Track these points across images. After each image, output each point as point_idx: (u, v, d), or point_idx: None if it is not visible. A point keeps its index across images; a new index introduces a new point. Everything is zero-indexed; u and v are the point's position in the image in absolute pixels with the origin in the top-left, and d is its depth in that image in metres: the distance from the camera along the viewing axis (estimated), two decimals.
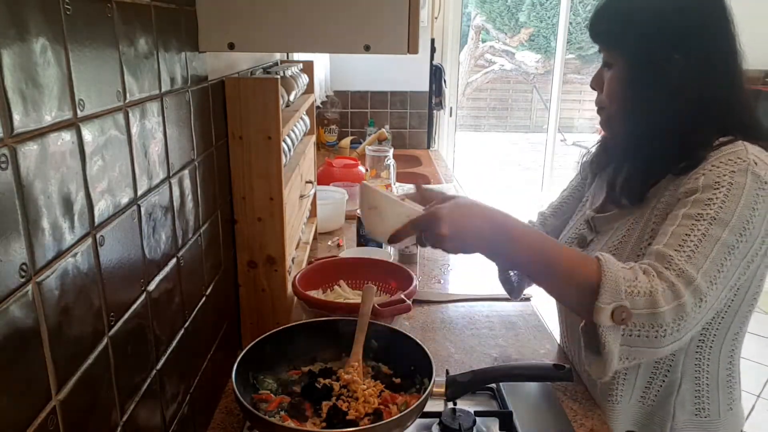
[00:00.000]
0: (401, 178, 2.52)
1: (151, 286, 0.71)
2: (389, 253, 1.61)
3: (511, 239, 0.87)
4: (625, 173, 1.02)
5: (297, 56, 1.95)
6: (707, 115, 0.94)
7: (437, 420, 0.94)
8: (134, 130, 0.66)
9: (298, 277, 1.23)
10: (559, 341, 1.27)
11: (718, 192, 0.86)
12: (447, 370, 0.98)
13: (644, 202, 1.00)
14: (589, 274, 0.83)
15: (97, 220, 0.57)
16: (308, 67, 1.66)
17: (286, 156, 1.19)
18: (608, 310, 0.80)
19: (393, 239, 0.90)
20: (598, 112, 1.06)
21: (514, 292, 1.24)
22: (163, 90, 0.75)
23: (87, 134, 0.55)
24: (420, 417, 0.88)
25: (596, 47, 1.04)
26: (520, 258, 0.90)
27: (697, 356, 0.98)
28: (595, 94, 1.06)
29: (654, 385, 1.02)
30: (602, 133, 1.15)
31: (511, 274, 1.24)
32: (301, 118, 1.49)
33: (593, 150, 1.19)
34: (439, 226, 0.84)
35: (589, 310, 0.81)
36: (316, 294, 1.26)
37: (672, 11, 0.93)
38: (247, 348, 0.92)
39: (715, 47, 0.94)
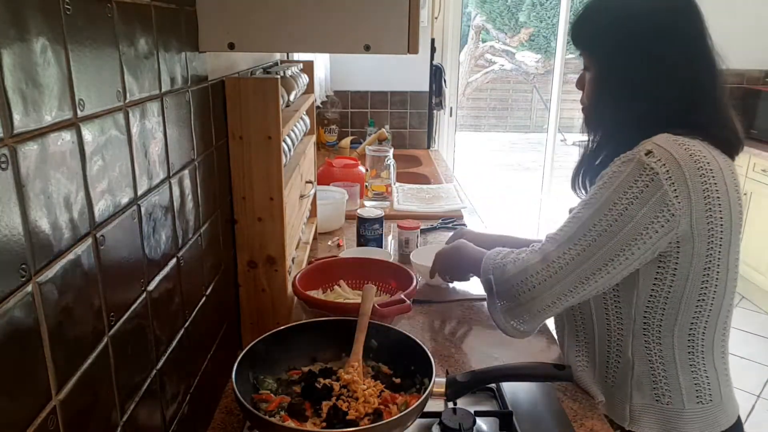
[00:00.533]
0: (401, 178, 2.53)
1: (151, 286, 0.71)
2: (389, 254, 1.61)
3: (470, 259, 1.21)
4: (594, 171, 1.07)
5: (297, 56, 1.95)
6: (664, 116, 0.99)
7: (437, 420, 0.94)
8: (134, 130, 0.66)
9: (298, 277, 1.23)
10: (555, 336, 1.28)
11: (599, 181, 0.97)
12: (447, 370, 0.98)
13: None
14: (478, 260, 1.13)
15: (97, 220, 0.57)
16: (308, 67, 1.66)
17: (286, 156, 1.19)
18: (482, 282, 1.10)
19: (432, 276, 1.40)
20: (582, 110, 1.12)
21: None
22: (163, 90, 0.75)
23: (87, 134, 0.55)
24: (420, 417, 0.88)
25: None
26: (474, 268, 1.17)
27: (645, 339, 1.01)
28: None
29: (611, 364, 1.06)
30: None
31: None
32: (301, 118, 1.49)
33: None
34: (438, 268, 1.35)
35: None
36: (316, 294, 1.26)
37: (642, 20, 1.00)
38: (247, 348, 0.92)
39: (684, 57, 0.99)
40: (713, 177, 0.92)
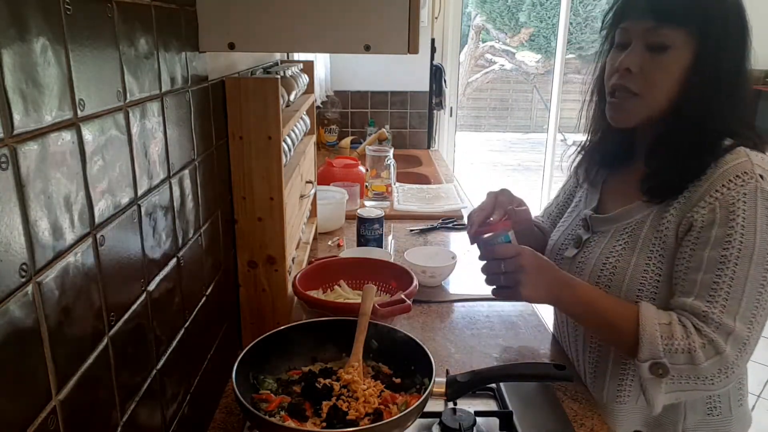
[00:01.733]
0: (401, 178, 2.53)
1: (152, 286, 0.71)
2: (389, 254, 1.61)
3: (575, 296, 0.98)
4: (662, 168, 0.97)
5: (297, 56, 1.95)
6: (733, 113, 0.94)
7: (437, 420, 0.94)
8: (134, 130, 0.66)
9: (298, 277, 1.23)
10: (553, 331, 1.29)
11: (735, 225, 0.87)
12: (447, 370, 0.98)
13: (642, 206, 1.00)
14: (628, 330, 0.91)
15: (97, 220, 0.57)
16: (308, 67, 1.66)
17: (286, 156, 1.19)
18: (646, 366, 0.89)
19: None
20: (618, 95, 0.98)
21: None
22: (163, 90, 0.75)
23: (87, 134, 0.55)
24: (420, 417, 0.88)
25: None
26: (575, 309, 1.00)
27: None
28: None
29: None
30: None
31: None
32: (302, 118, 1.49)
33: (580, 154, 1.19)
34: (522, 271, 0.97)
35: (633, 359, 0.92)
36: (316, 294, 1.26)
37: (733, 10, 0.93)
38: (247, 348, 0.92)
39: (747, 47, 0.94)
40: None
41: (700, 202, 0.91)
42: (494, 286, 1.02)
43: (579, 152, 1.19)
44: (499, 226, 1.04)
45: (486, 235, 1.03)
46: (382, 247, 1.65)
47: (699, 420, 1.01)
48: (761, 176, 0.88)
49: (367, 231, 1.64)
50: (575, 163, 1.20)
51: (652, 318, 0.89)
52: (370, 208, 1.73)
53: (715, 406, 1.01)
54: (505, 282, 0.99)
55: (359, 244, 1.67)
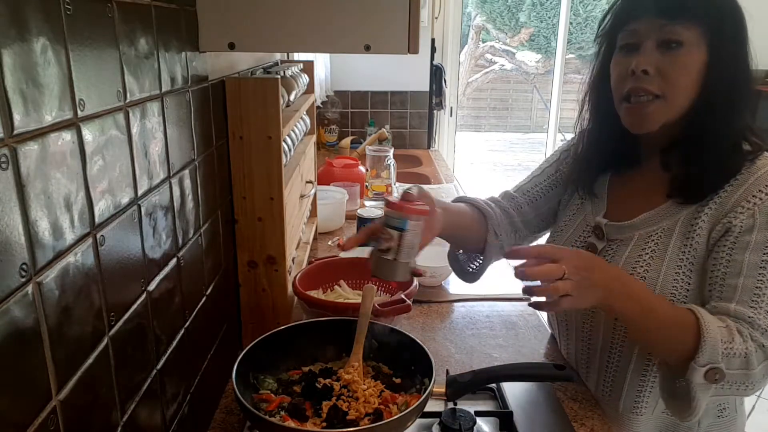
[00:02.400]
0: (401, 178, 2.52)
1: (152, 286, 0.71)
2: None
3: (628, 293, 0.88)
4: (695, 169, 0.94)
5: (297, 56, 1.95)
6: (747, 110, 0.94)
7: (437, 420, 0.94)
8: (134, 129, 0.66)
9: (298, 277, 1.23)
10: (559, 344, 1.25)
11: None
12: (447, 370, 0.97)
13: (667, 213, 0.97)
14: (688, 334, 0.85)
15: (97, 220, 0.57)
16: (308, 67, 1.66)
17: (286, 156, 1.19)
18: (702, 370, 0.83)
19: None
20: (635, 100, 0.93)
21: (472, 277, 1.20)
22: (163, 90, 0.75)
23: (87, 134, 0.55)
24: (420, 417, 0.88)
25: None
26: (630, 310, 0.88)
27: None
28: None
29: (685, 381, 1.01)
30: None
31: (460, 253, 1.21)
32: (302, 118, 1.49)
33: (575, 163, 1.12)
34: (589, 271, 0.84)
35: (684, 367, 0.85)
36: (316, 294, 1.26)
37: (736, 5, 0.92)
38: (247, 348, 0.92)
39: (748, 48, 0.93)
40: None
41: (737, 207, 0.90)
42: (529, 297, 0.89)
43: (574, 160, 1.13)
44: (411, 209, 0.89)
45: (385, 211, 0.90)
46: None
47: (710, 423, 1.02)
48: None
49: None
50: (571, 174, 1.14)
51: (713, 323, 0.85)
52: (370, 208, 1.73)
53: (725, 407, 1.01)
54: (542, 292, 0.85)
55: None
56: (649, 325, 0.89)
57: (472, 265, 1.21)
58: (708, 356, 0.83)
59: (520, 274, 0.83)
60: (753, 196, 0.89)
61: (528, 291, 0.85)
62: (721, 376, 0.83)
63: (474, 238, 1.15)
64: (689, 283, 0.94)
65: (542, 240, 1.27)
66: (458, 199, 1.20)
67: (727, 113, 0.91)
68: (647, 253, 0.97)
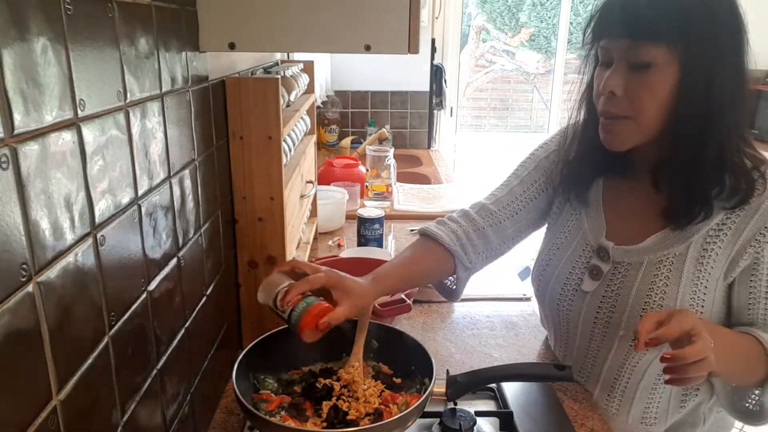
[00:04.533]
0: (402, 178, 2.53)
1: (152, 286, 0.71)
2: (389, 254, 1.61)
3: (742, 361, 0.90)
4: (677, 193, 0.93)
5: (297, 56, 1.95)
6: (740, 127, 0.91)
7: (438, 420, 0.94)
8: (135, 129, 0.66)
9: None
10: (552, 347, 1.23)
11: None
12: (447, 370, 0.98)
13: (679, 237, 0.95)
14: (761, 362, 0.89)
15: (97, 220, 0.57)
16: (309, 67, 1.66)
17: (286, 156, 1.19)
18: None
19: None
20: (609, 121, 0.92)
21: (453, 295, 1.18)
22: (163, 90, 0.75)
23: (88, 134, 0.55)
24: (420, 417, 0.88)
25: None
26: (740, 374, 0.93)
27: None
28: None
29: (688, 402, 1.03)
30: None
31: (448, 281, 1.18)
32: (302, 118, 1.49)
33: (568, 172, 1.07)
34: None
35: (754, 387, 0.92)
36: None
37: (723, 11, 0.86)
38: (247, 348, 0.92)
39: (744, 56, 0.88)
40: None
41: (756, 235, 0.89)
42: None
43: (563, 169, 1.09)
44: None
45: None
46: (382, 247, 1.65)
47: (714, 419, 1.04)
48: None
49: (368, 231, 1.64)
50: (563, 183, 1.10)
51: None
52: (371, 208, 1.73)
53: (719, 409, 1.04)
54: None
55: (359, 244, 1.67)
56: (736, 366, 0.90)
57: (449, 281, 1.19)
58: None
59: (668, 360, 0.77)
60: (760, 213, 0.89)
61: (670, 370, 0.78)
62: None
63: (440, 274, 1.13)
64: (703, 308, 0.94)
65: (532, 249, 1.23)
66: (422, 233, 1.13)
67: (704, 134, 0.87)
68: (661, 280, 0.95)
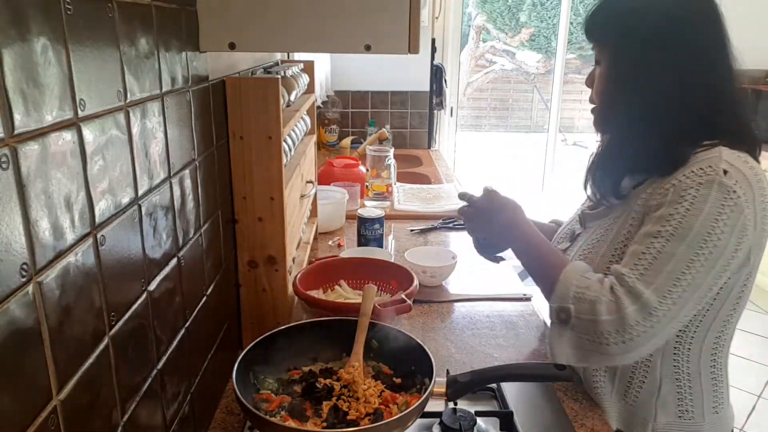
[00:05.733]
0: (402, 178, 2.53)
1: (152, 286, 0.71)
2: (389, 254, 1.61)
3: (521, 238, 1.08)
4: (606, 170, 1.04)
5: (298, 56, 1.95)
6: (689, 118, 0.94)
7: (438, 420, 0.94)
8: (135, 129, 0.66)
9: (298, 277, 1.23)
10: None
11: (679, 207, 0.88)
12: (447, 370, 0.98)
13: (627, 201, 1.01)
14: (554, 277, 0.96)
15: (97, 220, 0.57)
16: (309, 67, 1.66)
17: (286, 156, 1.19)
18: (554, 309, 0.95)
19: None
20: (591, 111, 1.07)
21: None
22: (163, 90, 0.75)
23: (88, 134, 0.55)
24: (420, 417, 0.88)
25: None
26: (523, 255, 1.08)
27: (675, 358, 0.99)
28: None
29: (634, 384, 1.02)
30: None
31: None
32: (302, 118, 1.49)
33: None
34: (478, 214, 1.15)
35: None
36: (316, 294, 1.26)
37: (658, 12, 0.95)
38: (247, 348, 0.92)
39: (701, 51, 0.94)
40: (766, 195, 0.90)
41: (660, 189, 0.93)
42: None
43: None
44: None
45: None
46: (382, 247, 1.65)
47: (670, 421, 1.01)
48: (725, 171, 0.87)
49: (368, 231, 1.64)
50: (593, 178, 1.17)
51: (579, 269, 0.96)
52: (371, 208, 1.73)
53: (687, 409, 1.00)
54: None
55: (360, 244, 1.67)
56: (531, 264, 1.06)
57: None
58: (559, 295, 0.94)
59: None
60: (676, 178, 0.91)
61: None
62: (567, 316, 0.92)
63: None
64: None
65: None
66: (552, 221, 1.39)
67: (623, 123, 0.99)
68: (596, 238, 1.06)
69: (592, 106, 1.06)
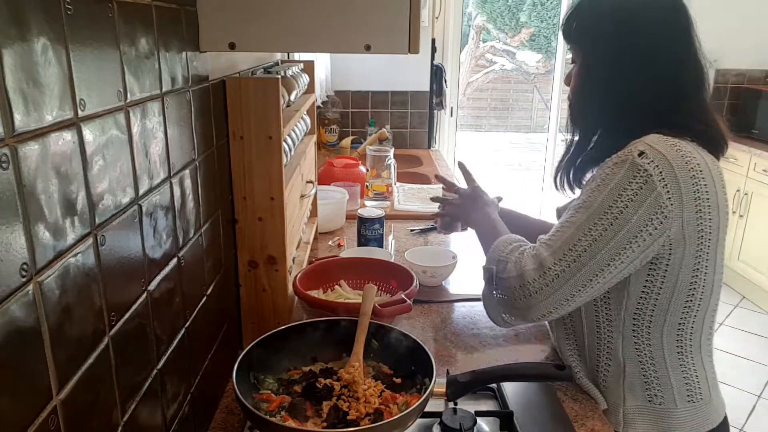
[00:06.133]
0: (402, 178, 2.53)
1: (152, 286, 0.71)
2: (390, 254, 1.61)
3: (481, 221, 1.24)
4: (574, 165, 1.10)
5: (298, 56, 1.95)
6: (652, 117, 0.99)
7: (438, 420, 0.94)
8: (135, 129, 0.66)
9: (298, 277, 1.23)
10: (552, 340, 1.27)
11: (592, 184, 0.97)
12: (447, 370, 0.98)
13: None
14: (492, 245, 1.10)
15: (98, 220, 0.57)
16: (309, 67, 1.66)
17: (286, 156, 1.19)
18: (484, 269, 1.09)
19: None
20: (569, 107, 1.14)
21: None
22: (164, 90, 0.75)
23: (88, 134, 0.55)
24: (421, 417, 0.88)
25: None
26: (483, 236, 1.22)
27: (635, 341, 1.02)
28: None
29: (601, 366, 1.06)
30: None
31: None
32: (302, 117, 1.49)
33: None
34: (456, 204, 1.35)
35: None
36: (316, 294, 1.26)
37: (627, 19, 1.00)
38: (247, 348, 0.92)
39: (667, 53, 0.99)
40: (703, 178, 0.93)
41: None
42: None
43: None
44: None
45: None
46: (382, 247, 1.65)
47: (639, 405, 1.03)
48: (641, 152, 0.92)
49: (368, 231, 1.64)
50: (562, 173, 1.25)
51: (511, 239, 1.08)
52: (371, 208, 1.73)
53: (656, 393, 1.02)
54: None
55: (359, 243, 1.67)
56: (483, 238, 1.21)
57: None
58: (489, 258, 1.08)
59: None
60: (600, 166, 0.98)
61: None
62: (490, 276, 1.05)
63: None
64: None
65: None
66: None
67: (589, 118, 1.08)
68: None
69: (569, 102, 1.13)
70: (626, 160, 0.93)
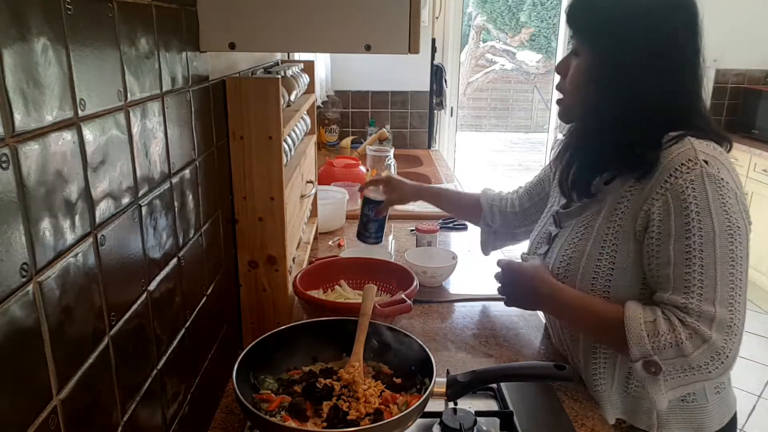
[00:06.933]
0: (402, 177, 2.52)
1: (152, 286, 0.71)
2: (390, 253, 1.61)
3: (557, 303, 1.08)
4: (575, 166, 1.06)
5: (298, 56, 1.95)
6: (660, 117, 0.97)
7: (438, 420, 0.94)
8: (135, 129, 0.66)
9: (298, 277, 1.23)
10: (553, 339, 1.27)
11: (690, 212, 0.90)
12: (448, 370, 0.98)
13: (598, 198, 1.04)
14: (617, 331, 0.93)
15: (98, 220, 0.57)
16: (309, 67, 1.66)
17: (286, 156, 1.19)
18: (639, 365, 0.90)
19: None
20: (558, 101, 1.09)
21: (484, 246, 1.50)
22: (164, 90, 0.75)
23: (88, 134, 0.55)
24: (421, 417, 0.88)
25: None
26: (563, 315, 1.11)
27: None
28: None
29: (634, 375, 1.03)
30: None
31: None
32: (302, 117, 1.49)
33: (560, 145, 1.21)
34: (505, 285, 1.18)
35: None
36: (316, 294, 1.26)
37: (644, 11, 0.96)
38: (247, 348, 0.92)
39: (680, 54, 0.97)
40: (736, 173, 0.95)
41: (652, 194, 0.93)
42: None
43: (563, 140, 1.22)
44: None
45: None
46: (383, 230, 1.63)
47: (673, 406, 1.02)
48: (705, 162, 0.90)
49: (371, 212, 1.59)
50: (555, 152, 1.23)
51: (637, 317, 0.92)
52: (377, 191, 1.70)
53: (690, 393, 1.01)
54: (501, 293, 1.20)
55: (360, 224, 1.61)
56: (585, 328, 1.06)
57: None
58: (637, 351, 0.90)
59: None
60: (665, 181, 0.92)
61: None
62: (657, 368, 0.89)
63: (466, 215, 1.55)
64: (613, 264, 0.99)
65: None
66: (474, 193, 1.51)
67: (595, 118, 1.01)
68: (577, 237, 1.06)
69: (560, 96, 1.08)
70: (700, 174, 0.89)
